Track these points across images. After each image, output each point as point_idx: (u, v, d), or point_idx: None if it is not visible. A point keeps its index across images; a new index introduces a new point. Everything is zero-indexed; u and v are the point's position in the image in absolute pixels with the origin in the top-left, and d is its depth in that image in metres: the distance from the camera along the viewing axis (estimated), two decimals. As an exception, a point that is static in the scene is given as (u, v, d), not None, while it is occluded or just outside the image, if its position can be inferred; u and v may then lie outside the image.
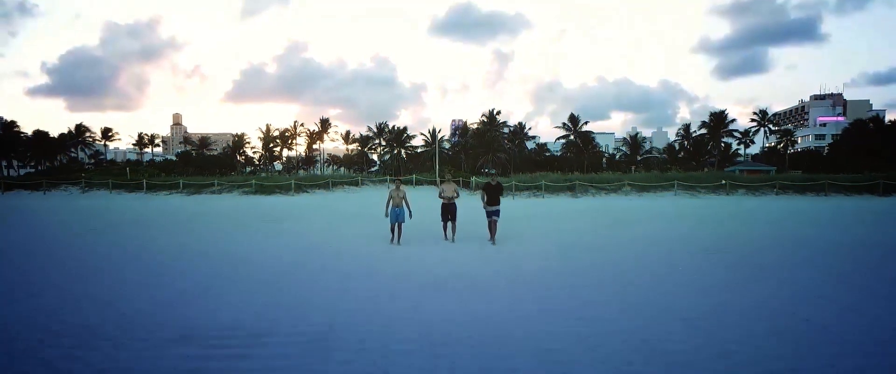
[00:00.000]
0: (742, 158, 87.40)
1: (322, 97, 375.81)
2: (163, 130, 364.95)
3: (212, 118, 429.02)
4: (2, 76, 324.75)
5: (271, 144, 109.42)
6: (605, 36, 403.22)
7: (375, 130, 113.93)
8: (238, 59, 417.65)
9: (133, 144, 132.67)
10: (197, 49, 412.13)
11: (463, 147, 77.98)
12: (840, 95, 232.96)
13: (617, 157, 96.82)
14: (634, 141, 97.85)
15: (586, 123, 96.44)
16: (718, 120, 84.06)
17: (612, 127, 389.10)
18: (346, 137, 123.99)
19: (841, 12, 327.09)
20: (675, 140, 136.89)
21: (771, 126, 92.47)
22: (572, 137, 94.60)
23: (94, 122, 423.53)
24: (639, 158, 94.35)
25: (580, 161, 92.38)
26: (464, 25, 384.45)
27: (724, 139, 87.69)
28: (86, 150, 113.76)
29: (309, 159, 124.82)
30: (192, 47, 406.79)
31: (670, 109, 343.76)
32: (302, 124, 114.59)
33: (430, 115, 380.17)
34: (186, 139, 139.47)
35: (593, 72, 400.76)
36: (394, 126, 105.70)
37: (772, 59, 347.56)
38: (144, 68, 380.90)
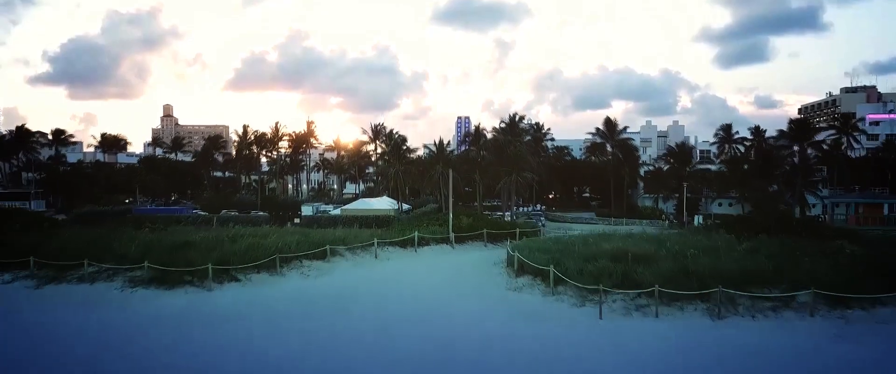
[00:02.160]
0: (821, 177, 70.39)
1: (323, 86, 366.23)
2: (154, 121, 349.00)
3: (212, 107, 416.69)
4: (2, 64, 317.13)
5: (246, 152, 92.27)
6: (606, 25, 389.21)
7: (371, 133, 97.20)
8: (239, 48, 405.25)
9: (95, 147, 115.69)
10: (198, 38, 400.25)
11: (477, 162, 61.07)
12: (874, 87, 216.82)
13: (665, 169, 79.55)
14: (682, 150, 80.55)
15: (625, 128, 79.43)
16: (801, 128, 66.73)
17: (613, 115, 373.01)
18: (338, 143, 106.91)
19: (843, 1, 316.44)
20: (714, 143, 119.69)
21: (855, 135, 75.21)
22: (610, 146, 77.46)
23: (95, 109, 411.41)
24: (688, 170, 77.18)
25: (618, 175, 75.56)
26: (465, 14, 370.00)
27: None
28: (31, 155, 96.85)
29: (295, 164, 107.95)
30: (193, 36, 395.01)
31: (671, 97, 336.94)
32: (284, 126, 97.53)
33: (432, 103, 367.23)
34: (155, 141, 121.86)
35: (594, 60, 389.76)
36: (392, 132, 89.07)
37: (773, 49, 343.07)
38: (145, 57, 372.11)
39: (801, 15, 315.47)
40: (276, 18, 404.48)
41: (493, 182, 62.02)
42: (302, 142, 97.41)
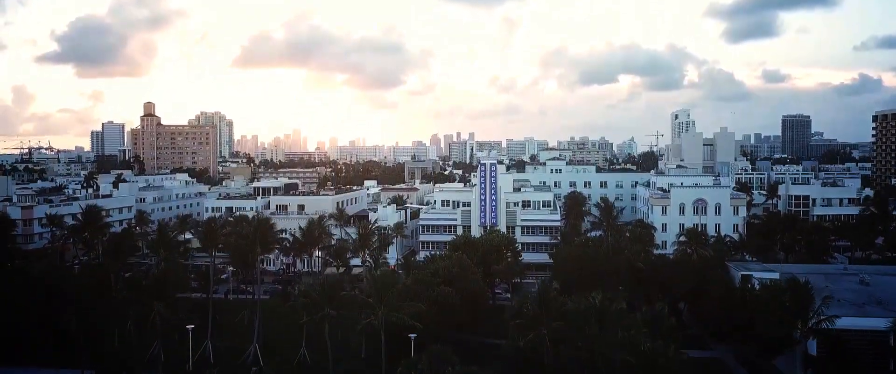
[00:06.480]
0: None
1: (330, 63, 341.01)
2: (158, 104, 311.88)
3: (212, 90, 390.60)
4: (11, 44, 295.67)
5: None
6: (614, 0, 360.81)
7: (358, 237, 61.38)
8: (246, 26, 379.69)
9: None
10: (204, 17, 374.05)
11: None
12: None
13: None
14: None
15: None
16: None
17: (619, 91, 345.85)
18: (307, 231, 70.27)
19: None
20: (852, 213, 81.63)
21: None
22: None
23: (103, 88, 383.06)
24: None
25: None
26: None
27: None
28: None
29: (248, 263, 71.41)
30: (199, 15, 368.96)
31: (678, 72, 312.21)
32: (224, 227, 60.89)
33: (438, 79, 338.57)
34: (52, 219, 78.50)
35: (601, 36, 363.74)
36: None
37: (782, 23, 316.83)
38: (152, 36, 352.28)
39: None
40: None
41: None
42: (246, 252, 61.09)
